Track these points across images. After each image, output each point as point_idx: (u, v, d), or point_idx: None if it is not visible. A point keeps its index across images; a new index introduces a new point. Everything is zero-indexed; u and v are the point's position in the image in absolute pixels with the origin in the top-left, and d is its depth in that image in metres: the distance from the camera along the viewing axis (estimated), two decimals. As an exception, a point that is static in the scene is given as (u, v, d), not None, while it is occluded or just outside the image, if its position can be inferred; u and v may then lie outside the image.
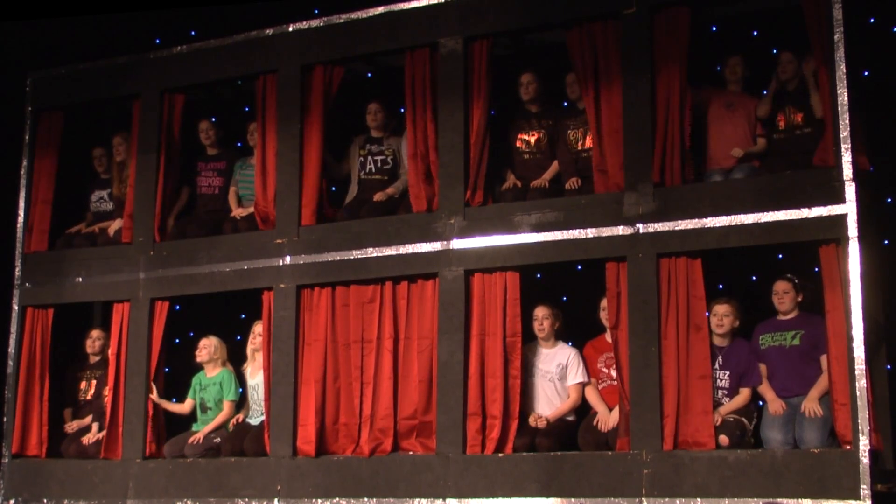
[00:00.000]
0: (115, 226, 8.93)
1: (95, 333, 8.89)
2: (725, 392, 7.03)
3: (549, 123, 7.87)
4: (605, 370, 7.42)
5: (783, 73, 7.30)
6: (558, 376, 7.50)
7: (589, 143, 7.58)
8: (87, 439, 8.55)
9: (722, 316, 7.09)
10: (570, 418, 7.48)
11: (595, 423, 7.22)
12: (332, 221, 8.03)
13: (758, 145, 7.33)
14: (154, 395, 8.29)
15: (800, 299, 7.03)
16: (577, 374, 7.46)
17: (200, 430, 8.25)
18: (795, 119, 7.23)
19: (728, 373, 7.03)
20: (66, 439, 8.64)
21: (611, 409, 7.24)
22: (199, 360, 8.42)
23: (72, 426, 8.77)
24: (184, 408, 8.41)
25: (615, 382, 7.24)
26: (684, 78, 7.13)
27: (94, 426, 8.64)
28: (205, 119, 8.91)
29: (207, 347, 8.42)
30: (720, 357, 7.05)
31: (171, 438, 8.31)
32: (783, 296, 7.02)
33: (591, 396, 7.41)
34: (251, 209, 8.44)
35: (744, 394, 7.02)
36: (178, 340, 8.84)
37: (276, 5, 8.92)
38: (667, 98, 7.16)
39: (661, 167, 7.09)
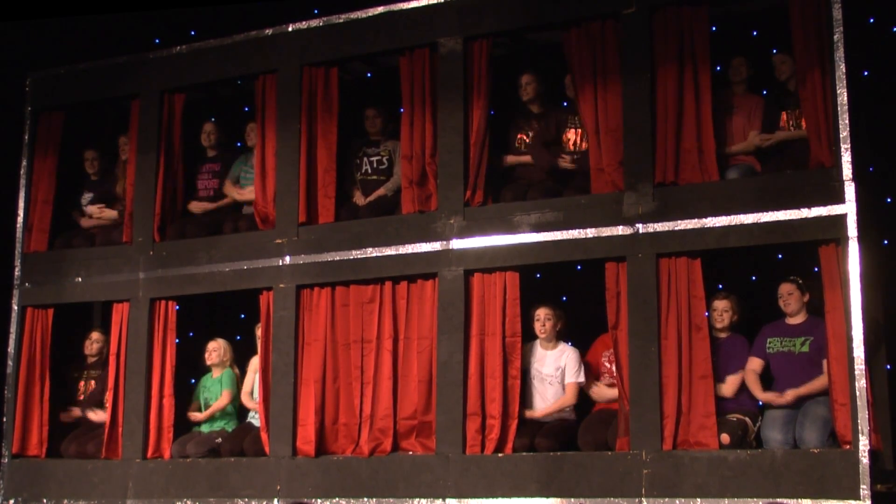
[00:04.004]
0: (109, 213, 8.97)
1: (95, 335, 8.89)
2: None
3: (547, 124, 7.87)
4: (608, 365, 7.42)
5: (780, 74, 7.31)
6: (558, 379, 7.49)
7: (585, 144, 7.59)
8: (91, 415, 8.63)
9: (722, 311, 7.13)
10: (570, 418, 7.48)
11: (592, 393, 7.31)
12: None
13: (748, 140, 7.30)
14: (195, 416, 8.37)
15: (806, 299, 7.02)
16: (574, 374, 7.45)
17: (204, 413, 8.31)
18: (797, 119, 7.22)
19: (714, 359, 7.04)
20: (66, 439, 8.64)
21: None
22: (209, 363, 8.44)
23: (71, 414, 8.77)
24: (221, 403, 8.41)
25: (610, 388, 7.29)
26: (707, 75, 7.12)
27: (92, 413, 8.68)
28: (209, 121, 8.91)
29: (217, 350, 8.44)
30: (713, 347, 7.06)
31: (177, 439, 8.31)
32: (788, 297, 7.01)
33: (594, 394, 7.43)
34: (251, 195, 8.42)
35: (729, 382, 7.02)
36: (178, 340, 8.82)
37: (276, 5, 8.92)
38: (665, 98, 7.16)
39: (663, 167, 7.09)
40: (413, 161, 7.78)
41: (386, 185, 8.21)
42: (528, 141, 7.92)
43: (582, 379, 7.45)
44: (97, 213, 9.11)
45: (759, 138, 7.26)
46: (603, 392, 7.43)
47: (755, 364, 7.02)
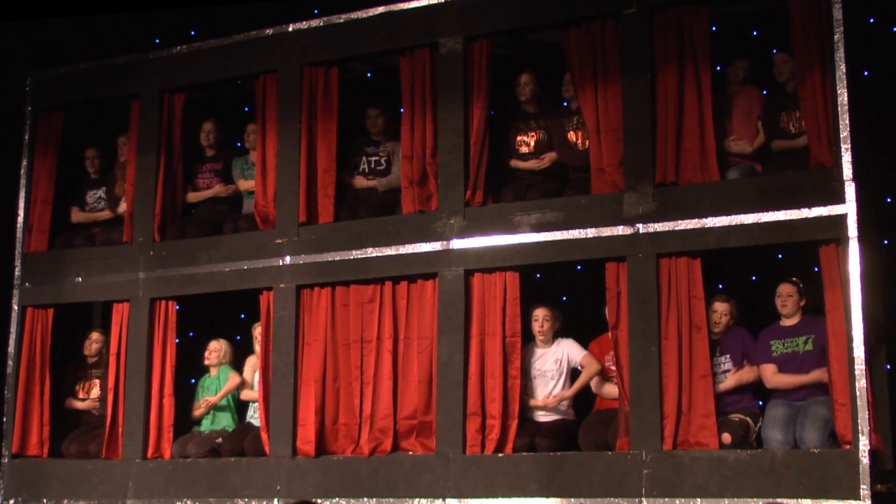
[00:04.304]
0: (106, 214, 9.00)
1: (94, 336, 8.89)
2: (727, 374, 7.06)
3: (546, 124, 7.88)
4: (613, 367, 7.42)
5: (779, 74, 7.31)
6: (558, 373, 7.49)
7: (587, 143, 7.59)
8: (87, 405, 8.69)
9: (721, 313, 7.14)
10: (570, 418, 7.48)
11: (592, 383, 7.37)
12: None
13: (759, 137, 7.30)
14: (201, 409, 8.41)
15: (802, 304, 7.02)
16: (579, 352, 7.46)
17: (213, 397, 8.34)
18: (798, 121, 7.22)
19: (728, 356, 7.06)
20: (67, 439, 8.64)
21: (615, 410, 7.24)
22: (207, 362, 8.46)
23: (80, 406, 8.80)
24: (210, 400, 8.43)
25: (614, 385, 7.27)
26: (707, 75, 7.12)
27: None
28: (209, 120, 8.92)
29: (217, 351, 8.46)
30: (718, 347, 7.09)
31: (178, 439, 8.31)
32: (787, 299, 7.01)
33: (597, 388, 7.45)
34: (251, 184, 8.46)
35: (754, 370, 7.01)
36: (178, 340, 8.83)
37: (276, 5, 8.92)
38: (666, 98, 7.16)
39: (664, 167, 7.10)
40: (413, 161, 7.79)
41: (379, 180, 8.20)
42: (532, 143, 7.91)
43: (587, 352, 7.46)
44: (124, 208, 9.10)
45: (776, 145, 7.22)
46: (610, 390, 7.41)
47: (772, 368, 6.96)
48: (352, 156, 8.38)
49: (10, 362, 8.80)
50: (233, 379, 8.34)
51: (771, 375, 6.95)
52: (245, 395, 8.39)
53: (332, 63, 8.17)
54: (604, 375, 7.47)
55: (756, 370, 7.01)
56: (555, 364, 7.51)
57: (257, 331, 8.27)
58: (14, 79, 9.29)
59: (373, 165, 8.31)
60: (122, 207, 8.96)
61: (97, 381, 8.84)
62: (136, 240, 8.58)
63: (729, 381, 7.01)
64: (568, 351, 7.50)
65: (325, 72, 8.17)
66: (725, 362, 7.07)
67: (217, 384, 8.40)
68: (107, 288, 8.64)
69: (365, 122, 8.39)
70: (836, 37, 6.68)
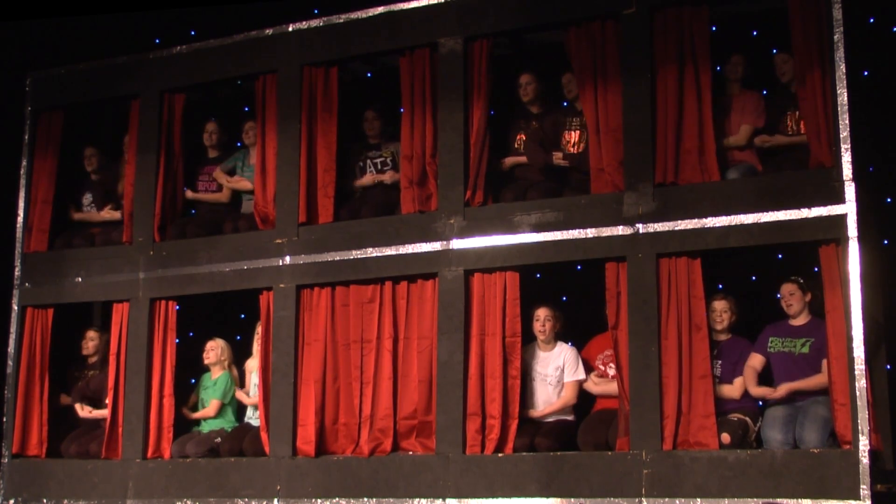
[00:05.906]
0: (106, 215, 8.98)
1: (90, 334, 8.90)
2: (718, 380, 7.06)
3: (546, 124, 7.87)
4: (602, 367, 7.44)
5: (780, 74, 7.31)
6: (556, 379, 7.50)
7: (583, 146, 7.59)
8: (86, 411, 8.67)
9: (721, 312, 7.14)
10: (570, 418, 7.48)
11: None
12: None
13: (740, 133, 7.29)
14: (187, 413, 8.45)
15: (808, 299, 7.02)
16: (574, 372, 7.45)
17: (194, 414, 8.41)
18: (798, 121, 7.22)
19: (720, 362, 7.07)
20: (67, 439, 8.64)
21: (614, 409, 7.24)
22: (206, 362, 8.46)
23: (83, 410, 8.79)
24: (208, 412, 8.43)
25: (612, 381, 7.27)
26: (707, 75, 7.13)
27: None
28: (212, 121, 8.92)
29: (214, 350, 8.46)
30: (716, 349, 7.09)
31: (177, 439, 8.31)
32: (790, 298, 7.02)
33: (594, 389, 7.43)
34: (239, 184, 8.45)
35: (737, 384, 7.03)
36: (178, 340, 8.84)
37: (276, 5, 8.93)
38: (666, 98, 7.16)
39: (664, 167, 7.10)
40: (413, 161, 7.79)
41: (391, 173, 8.18)
42: (525, 141, 7.92)
43: (582, 376, 7.45)
44: (108, 216, 9.08)
45: (759, 139, 7.26)
46: (598, 387, 7.41)
47: (755, 360, 7.03)
48: (353, 161, 8.37)
49: (10, 362, 8.80)
50: (211, 408, 8.33)
51: (748, 367, 6.97)
52: (242, 399, 8.37)
53: (332, 63, 8.18)
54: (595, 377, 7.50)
55: (740, 383, 7.04)
56: (556, 371, 7.50)
57: (260, 330, 8.26)
58: (14, 79, 9.30)
59: (379, 167, 8.31)
60: (106, 215, 8.99)
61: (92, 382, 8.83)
62: (135, 240, 8.59)
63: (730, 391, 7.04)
64: (566, 363, 7.47)
65: (325, 72, 8.18)
66: (716, 367, 7.05)
67: (214, 387, 8.39)
68: (107, 288, 8.64)
69: (362, 125, 8.39)
70: (836, 37, 6.68)
